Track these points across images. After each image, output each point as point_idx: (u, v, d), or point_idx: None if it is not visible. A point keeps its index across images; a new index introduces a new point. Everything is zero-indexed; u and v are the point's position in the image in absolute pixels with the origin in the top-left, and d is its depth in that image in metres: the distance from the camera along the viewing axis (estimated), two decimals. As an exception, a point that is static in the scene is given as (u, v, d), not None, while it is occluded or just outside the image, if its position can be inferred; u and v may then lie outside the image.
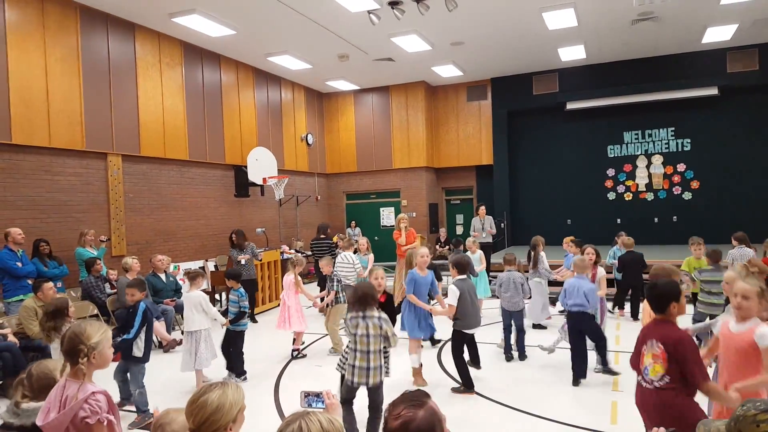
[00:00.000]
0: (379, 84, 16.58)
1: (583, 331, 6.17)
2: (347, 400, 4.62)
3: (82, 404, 2.53)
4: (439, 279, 7.75)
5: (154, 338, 8.10)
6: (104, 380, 5.88)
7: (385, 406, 1.88)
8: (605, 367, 6.21)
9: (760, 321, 3.26)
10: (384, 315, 4.62)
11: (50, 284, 6.74)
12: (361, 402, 4.72)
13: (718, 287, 6.64)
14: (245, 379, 6.61)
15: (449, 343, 6.32)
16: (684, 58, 14.37)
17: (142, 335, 5.34)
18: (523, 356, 7.06)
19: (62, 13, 9.16)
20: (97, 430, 2.56)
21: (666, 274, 4.08)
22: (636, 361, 3.40)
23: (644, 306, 3.97)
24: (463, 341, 5.95)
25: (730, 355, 3.38)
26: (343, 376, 4.92)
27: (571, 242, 8.71)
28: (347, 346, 4.80)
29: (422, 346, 6.61)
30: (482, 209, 12.40)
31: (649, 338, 3.25)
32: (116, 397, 5.61)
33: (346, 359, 4.82)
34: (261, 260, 10.61)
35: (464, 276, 5.98)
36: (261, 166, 13.02)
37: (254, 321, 10.04)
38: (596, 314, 6.67)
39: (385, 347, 4.72)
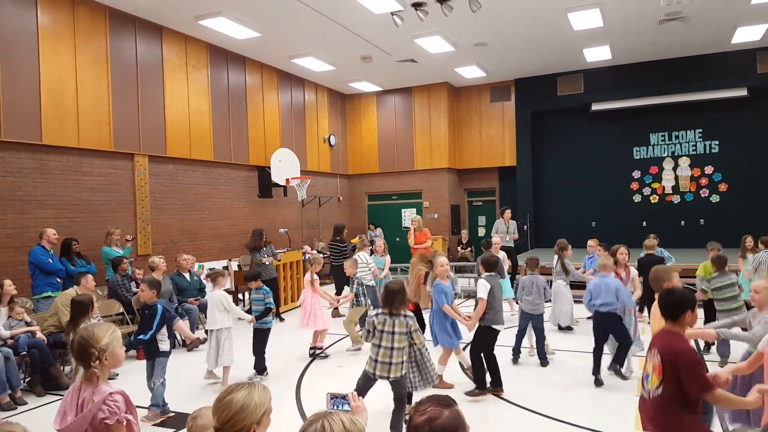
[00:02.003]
0: (402, 85, 16.58)
1: (609, 331, 6.12)
2: (362, 390, 4.70)
3: (100, 405, 2.56)
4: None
5: (178, 336, 8.27)
6: (124, 382, 5.98)
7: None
8: (617, 368, 6.11)
9: None
10: (410, 314, 4.71)
11: (91, 276, 6.96)
12: (372, 395, 4.74)
13: (729, 292, 6.56)
14: (267, 375, 6.68)
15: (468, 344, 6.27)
16: (712, 58, 14.09)
17: (164, 331, 5.43)
18: (545, 362, 6.96)
19: (92, 16, 9.36)
20: (116, 430, 2.58)
21: (665, 274, 4.04)
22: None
23: (654, 312, 3.85)
24: (487, 338, 5.86)
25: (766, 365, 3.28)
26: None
27: (599, 246, 8.61)
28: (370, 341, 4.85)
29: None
30: (507, 212, 12.30)
31: (653, 347, 3.19)
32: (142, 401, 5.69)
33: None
34: (280, 260, 10.69)
35: (493, 273, 5.98)
36: (284, 167, 13.11)
37: (281, 320, 10.17)
38: (629, 316, 6.55)
39: (415, 345, 4.80)
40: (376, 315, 4.76)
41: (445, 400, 1.83)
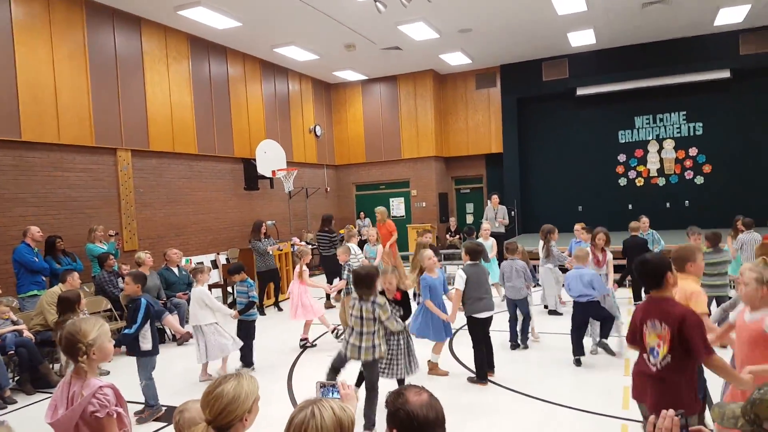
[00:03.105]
0: (387, 73, 16.49)
1: (591, 317, 6.23)
2: (335, 369, 4.91)
3: (90, 399, 2.55)
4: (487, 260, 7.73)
5: (168, 331, 8.22)
6: (116, 378, 5.94)
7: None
8: (605, 344, 6.23)
9: None
10: (380, 300, 4.72)
11: (76, 274, 6.87)
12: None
13: (720, 269, 6.68)
14: (253, 369, 6.65)
15: (461, 333, 6.30)
16: (696, 40, 14.15)
17: (148, 329, 5.35)
18: (525, 344, 7.04)
19: (68, 8, 9.17)
20: (107, 424, 2.57)
21: (690, 254, 3.97)
22: (635, 339, 3.34)
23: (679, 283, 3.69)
24: (477, 327, 5.87)
25: (741, 343, 3.34)
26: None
27: (582, 229, 8.66)
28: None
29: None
30: (495, 198, 12.35)
31: (650, 318, 3.16)
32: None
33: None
34: (281, 250, 10.85)
35: (476, 262, 5.96)
36: (270, 158, 13.02)
37: (279, 309, 10.31)
38: (610, 300, 6.67)
39: (391, 333, 4.92)
40: (351, 299, 4.88)
41: (422, 388, 1.86)
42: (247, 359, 6.70)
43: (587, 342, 6.50)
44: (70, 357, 2.68)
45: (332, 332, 7.87)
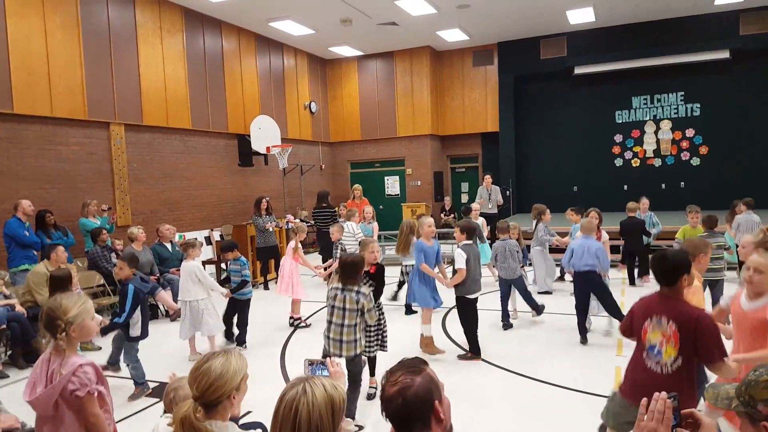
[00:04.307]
0: (383, 50, 16.29)
1: (591, 290, 6.23)
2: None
3: (69, 377, 2.51)
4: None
5: (161, 307, 8.22)
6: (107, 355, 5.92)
7: (381, 375, 1.85)
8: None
9: None
10: (364, 290, 4.45)
11: (62, 248, 6.79)
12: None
13: (716, 252, 6.63)
14: (245, 347, 6.65)
15: (454, 312, 6.31)
16: (695, 20, 14.01)
17: (138, 315, 5.29)
18: (539, 311, 7.12)
19: (59, -22, 8.97)
20: (87, 402, 2.54)
21: (696, 249, 3.87)
22: (630, 330, 3.20)
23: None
24: (469, 307, 5.92)
25: (744, 334, 3.24)
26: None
27: (572, 211, 8.64)
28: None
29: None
30: (488, 178, 12.28)
31: (656, 314, 3.00)
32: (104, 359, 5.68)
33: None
34: (281, 227, 10.92)
35: (470, 241, 5.97)
36: (264, 134, 12.90)
37: (266, 288, 10.16)
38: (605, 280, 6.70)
39: (368, 325, 4.70)
40: (330, 289, 4.52)
41: (416, 365, 1.77)
42: (240, 338, 6.70)
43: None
44: (49, 333, 2.61)
45: (292, 320, 7.65)
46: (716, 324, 2.91)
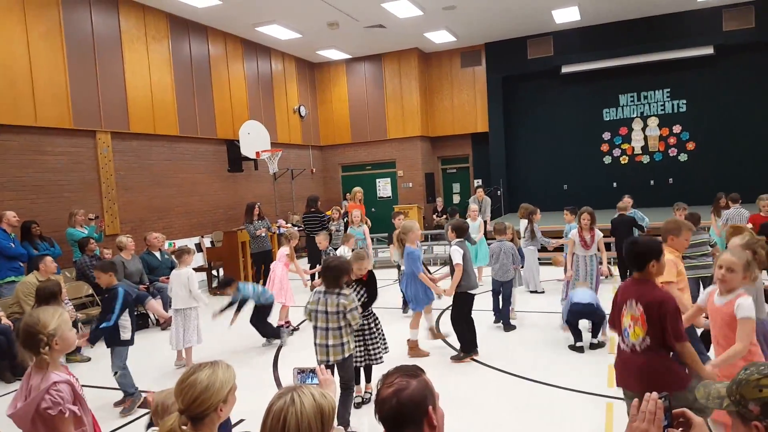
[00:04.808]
0: (371, 52, 16.28)
1: (585, 318, 6.18)
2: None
3: (43, 395, 2.45)
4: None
5: (152, 316, 8.14)
6: (97, 366, 5.84)
7: (377, 378, 1.83)
8: (597, 341, 6.20)
9: (744, 293, 3.20)
10: (345, 291, 4.34)
11: (50, 258, 6.71)
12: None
13: (701, 249, 6.57)
14: (287, 335, 7.07)
15: (448, 312, 6.30)
16: (680, 17, 14.11)
17: (127, 317, 5.18)
18: (508, 327, 7.02)
19: (41, -14, 8.88)
20: (59, 421, 2.46)
21: (670, 231, 4.09)
22: (615, 321, 3.34)
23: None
24: (466, 304, 5.90)
25: (717, 328, 3.35)
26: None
27: (566, 210, 8.64)
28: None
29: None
30: (480, 191, 12.19)
31: (629, 298, 3.16)
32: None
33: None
34: (274, 232, 10.95)
35: (462, 239, 5.98)
36: (253, 139, 12.85)
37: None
38: (592, 280, 6.72)
39: (351, 326, 4.49)
40: (313, 293, 4.43)
41: (413, 370, 1.77)
42: (272, 333, 6.96)
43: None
44: (29, 350, 2.55)
45: (282, 326, 7.51)
46: (677, 308, 3.05)
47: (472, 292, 5.91)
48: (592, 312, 6.04)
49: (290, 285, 7.66)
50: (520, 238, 8.60)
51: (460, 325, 5.94)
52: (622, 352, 3.23)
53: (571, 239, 7.06)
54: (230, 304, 6.56)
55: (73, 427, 2.53)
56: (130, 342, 5.28)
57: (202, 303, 6.43)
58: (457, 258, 5.79)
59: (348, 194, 16.68)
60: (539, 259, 9.23)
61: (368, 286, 5.08)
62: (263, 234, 10.10)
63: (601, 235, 7.14)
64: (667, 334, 2.98)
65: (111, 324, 5.04)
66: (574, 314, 6.11)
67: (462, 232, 6.03)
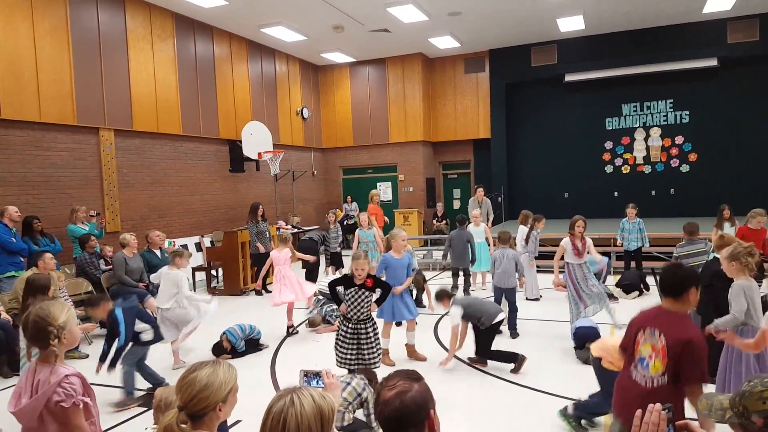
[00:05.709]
0: (375, 56, 16.31)
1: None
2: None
3: (55, 388, 2.46)
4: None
5: (150, 314, 8.11)
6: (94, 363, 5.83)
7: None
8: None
9: None
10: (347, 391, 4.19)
11: (50, 255, 6.69)
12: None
13: (696, 260, 6.47)
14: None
15: (446, 319, 6.26)
16: (684, 28, 14.14)
17: (140, 323, 5.20)
18: (515, 334, 6.96)
19: (48, -17, 8.91)
20: (72, 413, 2.48)
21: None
22: (626, 345, 3.07)
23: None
24: (490, 337, 5.77)
25: None
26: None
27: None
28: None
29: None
30: (480, 192, 12.16)
31: (651, 326, 2.89)
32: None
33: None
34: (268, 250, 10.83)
35: (456, 302, 5.85)
36: (256, 140, 12.87)
37: (267, 291, 10.02)
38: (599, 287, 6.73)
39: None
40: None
41: (414, 374, 1.79)
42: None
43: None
44: (37, 343, 2.56)
45: (290, 328, 7.60)
46: (707, 349, 2.78)
47: (496, 321, 5.71)
48: (596, 335, 6.00)
49: (299, 278, 7.74)
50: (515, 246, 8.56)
51: (489, 354, 5.80)
52: (634, 383, 2.92)
53: (562, 247, 6.78)
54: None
55: (84, 420, 2.55)
56: (154, 341, 5.31)
57: (203, 302, 6.41)
58: (456, 320, 5.63)
59: (349, 197, 16.72)
60: (538, 267, 9.21)
61: (381, 287, 5.24)
62: (261, 251, 10.02)
63: (591, 242, 7.05)
64: (689, 375, 2.72)
65: (124, 341, 5.03)
66: (579, 338, 6.08)
67: (448, 295, 5.93)
